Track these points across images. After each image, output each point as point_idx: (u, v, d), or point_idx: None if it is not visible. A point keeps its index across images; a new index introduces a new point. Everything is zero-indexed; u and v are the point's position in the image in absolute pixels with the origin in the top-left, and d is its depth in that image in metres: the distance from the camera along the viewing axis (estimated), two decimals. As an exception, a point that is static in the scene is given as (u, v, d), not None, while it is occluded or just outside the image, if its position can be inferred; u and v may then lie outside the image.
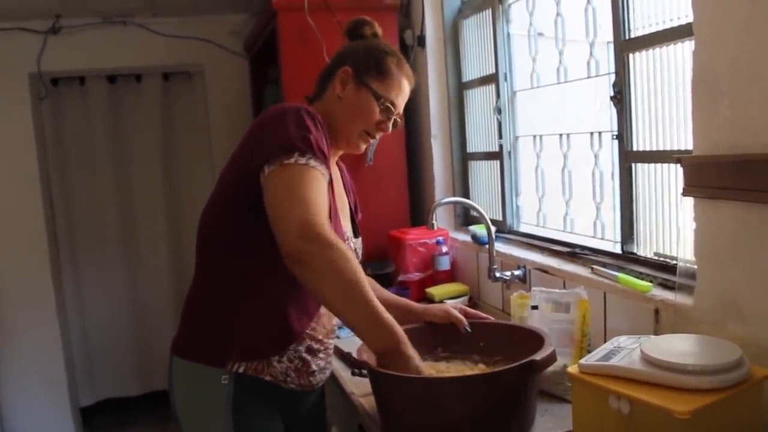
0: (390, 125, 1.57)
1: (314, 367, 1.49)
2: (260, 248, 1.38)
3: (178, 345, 1.48)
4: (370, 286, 1.29)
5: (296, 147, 1.31)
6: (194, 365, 1.43)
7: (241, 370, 1.39)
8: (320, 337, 1.49)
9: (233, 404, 1.39)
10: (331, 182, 1.42)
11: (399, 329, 1.32)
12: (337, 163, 1.69)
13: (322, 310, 1.48)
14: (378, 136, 1.58)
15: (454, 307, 1.69)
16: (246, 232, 1.40)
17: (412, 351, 1.32)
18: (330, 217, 1.37)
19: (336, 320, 1.56)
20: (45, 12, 3.46)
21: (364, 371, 1.46)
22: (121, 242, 4.15)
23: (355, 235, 1.65)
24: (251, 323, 1.41)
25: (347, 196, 1.69)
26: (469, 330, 1.64)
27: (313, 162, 1.31)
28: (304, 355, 1.46)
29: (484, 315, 1.73)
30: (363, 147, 1.60)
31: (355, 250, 1.62)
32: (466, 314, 1.69)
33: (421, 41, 2.80)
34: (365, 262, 1.74)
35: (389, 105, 1.53)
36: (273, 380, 1.42)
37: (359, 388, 1.70)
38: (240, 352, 1.39)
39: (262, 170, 1.32)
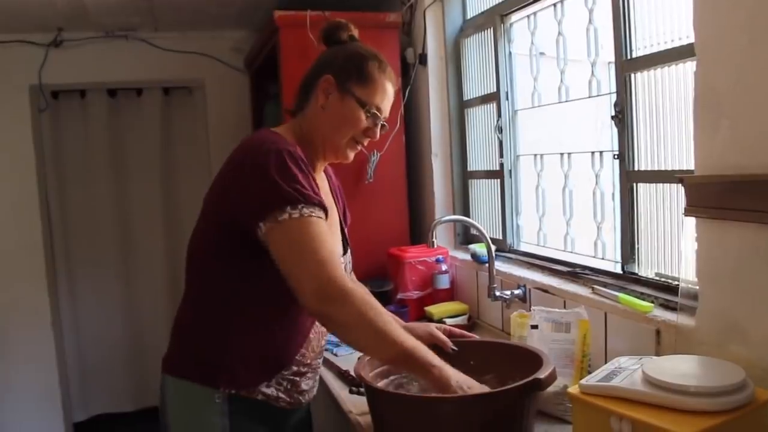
0: (378, 131, 1.53)
1: (304, 386, 1.50)
2: (247, 283, 1.39)
3: (170, 363, 1.47)
4: (392, 320, 1.33)
5: (286, 199, 1.30)
6: (188, 383, 1.42)
7: (233, 392, 1.40)
8: (308, 361, 1.50)
9: (229, 421, 1.39)
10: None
11: (431, 357, 1.31)
12: (324, 169, 1.66)
13: (312, 334, 1.49)
14: (366, 142, 1.55)
15: (438, 328, 1.64)
16: (233, 269, 1.40)
17: (448, 371, 1.31)
18: None
19: (325, 340, 1.56)
20: (47, 25, 3.47)
21: (362, 389, 1.44)
22: (118, 257, 4.13)
23: (344, 251, 1.61)
24: (239, 355, 1.41)
25: (336, 204, 1.65)
26: (455, 349, 1.59)
27: (306, 210, 1.30)
28: (292, 377, 1.47)
29: (469, 334, 1.70)
30: (352, 155, 1.55)
31: (346, 265, 1.59)
32: (451, 334, 1.64)
33: (422, 59, 2.81)
34: (363, 280, 1.73)
35: (375, 111, 1.49)
36: (265, 399, 1.43)
37: (357, 406, 1.67)
38: (229, 380, 1.40)
39: (257, 226, 1.31)
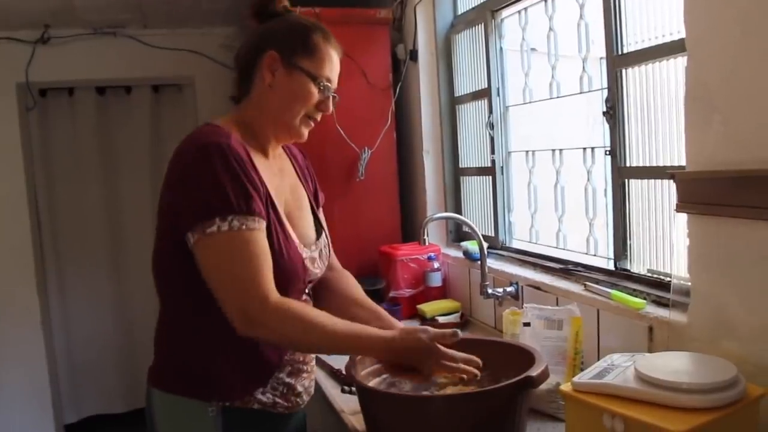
0: (330, 104, 1.45)
1: (299, 388, 1.45)
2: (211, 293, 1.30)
3: (157, 377, 1.40)
4: (331, 319, 1.29)
5: (216, 209, 1.23)
6: (177, 398, 1.35)
7: (226, 404, 1.34)
8: (301, 358, 1.45)
9: None
10: (274, 206, 1.35)
11: (384, 333, 1.32)
12: (288, 150, 1.58)
13: None
14: (319, 117, 1.46)
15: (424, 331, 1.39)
16: (194, 280, 1.29)
17: (405, 333, 1.32)
18: (280, 244, 1.34)
19: None
20: (34, 22, 3.43)
21: (354, 388, 1.43)
22: (109, 255, 4.10)
23: (318, 235, 1.53)
24: (225, 363, 1.34)
25: (305, 185, 1.58)
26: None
27: (236, 222, 1.23)
28: (287, 380, 1.41)
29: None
30: (306, 133, 1.46)
31: (320, 250, 1.51)
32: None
33: (413, 55, 2.80)
34: (355, 278, 1.71)
35: (326, 83, 1.41)
36: (262, 408, 1.38)
37: (349, 406, 1.67)
38: (221, 392, 1.34)
39: (185, 236, 1.25)
